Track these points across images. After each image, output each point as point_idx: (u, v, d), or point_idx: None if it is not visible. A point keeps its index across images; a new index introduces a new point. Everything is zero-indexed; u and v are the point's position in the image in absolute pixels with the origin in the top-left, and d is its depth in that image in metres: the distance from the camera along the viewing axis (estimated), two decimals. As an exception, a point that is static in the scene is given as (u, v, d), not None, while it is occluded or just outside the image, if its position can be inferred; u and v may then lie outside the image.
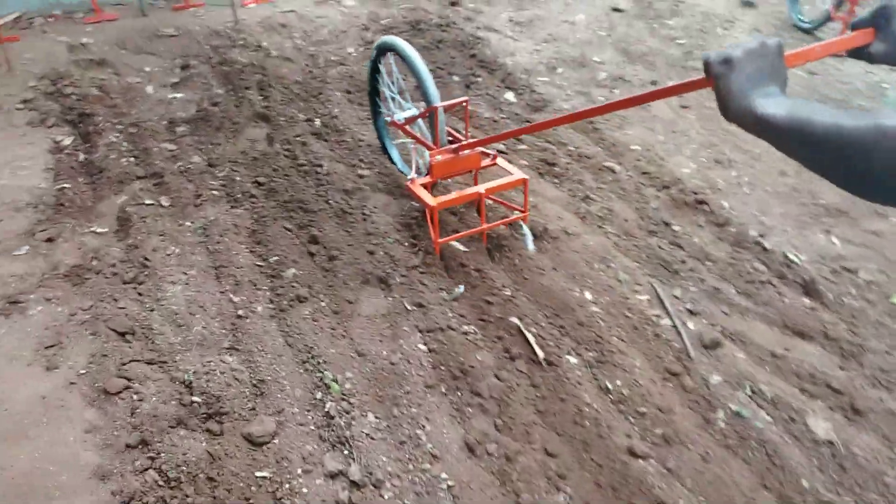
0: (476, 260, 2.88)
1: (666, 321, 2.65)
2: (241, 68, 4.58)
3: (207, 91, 4.32)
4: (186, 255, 2.93)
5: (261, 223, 3.15)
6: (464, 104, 3.00)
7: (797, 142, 0.92)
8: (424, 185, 3.00)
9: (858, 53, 1.24)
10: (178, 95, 4.26)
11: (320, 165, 3.56)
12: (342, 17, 5.51)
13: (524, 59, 4.82)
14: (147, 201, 3.26)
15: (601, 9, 5.70)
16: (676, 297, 2.78)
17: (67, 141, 3.76)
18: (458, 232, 3.02)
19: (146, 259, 2.87)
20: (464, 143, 2.90)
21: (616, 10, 5.65)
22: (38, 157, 3.62)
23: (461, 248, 2.97)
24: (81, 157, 3.65)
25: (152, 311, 2.60)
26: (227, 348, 2.45)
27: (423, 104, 3.09)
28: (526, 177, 2.92)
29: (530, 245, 3.02)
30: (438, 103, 2.91)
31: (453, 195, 2.93)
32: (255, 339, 2.48)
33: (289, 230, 3.12)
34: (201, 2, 5.74)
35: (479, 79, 4.53)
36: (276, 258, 2.90)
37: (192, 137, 3.85)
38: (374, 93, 3.49)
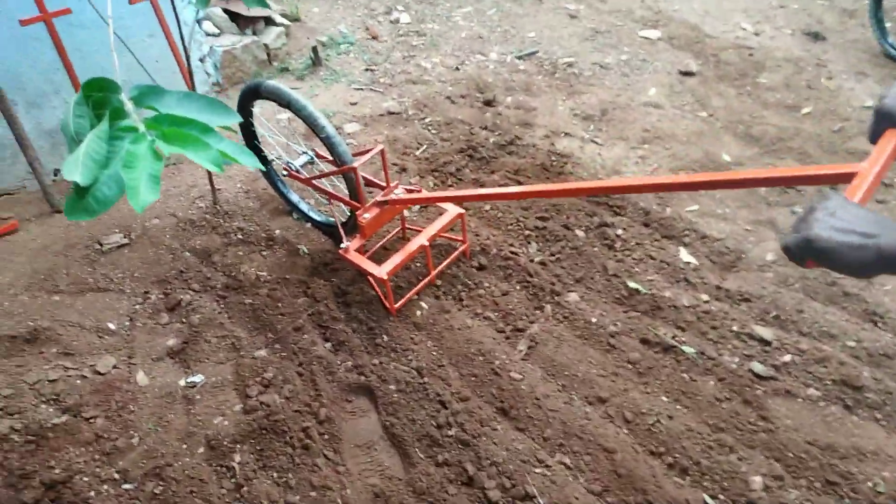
0: None
1: None
2: (269, 292, 2.90)
3: (238, 352, 2.64)
4: None
5: None
6: (381, 152, 2.70)
7: None
8: (358, 250, 2.80)
9: None
10: (197, 379, 2.55)
11: (531, 498, 2.07)
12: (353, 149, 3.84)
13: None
14: None
15: (668, 75, 4.50)
16: None
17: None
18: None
19: None
20: (394, 198, 2.69)
21: (686, 73, 4.47)
22: None
23: None
24: None
25: None
26: None
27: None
28: (462, 210, 2.86)
29: None
30: (353, 162, 2.62)
31: (398, 258, 2.66)
32: None
33: None
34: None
35: (617, 229, 3.17)
36: None
37: (266, 476, 2.20)
38: (251, 136, 3.09)
